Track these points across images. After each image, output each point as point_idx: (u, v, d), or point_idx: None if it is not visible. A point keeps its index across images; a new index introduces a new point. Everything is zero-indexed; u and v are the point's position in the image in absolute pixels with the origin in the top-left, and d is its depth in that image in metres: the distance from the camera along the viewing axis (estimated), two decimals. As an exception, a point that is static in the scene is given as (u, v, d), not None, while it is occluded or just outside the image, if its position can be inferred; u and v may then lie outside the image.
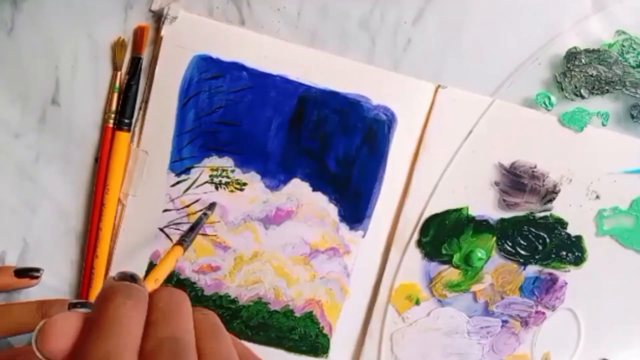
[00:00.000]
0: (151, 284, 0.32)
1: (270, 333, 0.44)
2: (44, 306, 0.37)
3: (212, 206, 0.41)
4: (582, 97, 0.41)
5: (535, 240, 0.42)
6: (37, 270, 0.41)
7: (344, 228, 0.42)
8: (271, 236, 0.42)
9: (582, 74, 0.40)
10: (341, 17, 0.40)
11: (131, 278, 0.26)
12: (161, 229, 0.42)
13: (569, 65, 0.40)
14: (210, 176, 0.41)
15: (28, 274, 0.40)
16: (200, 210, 0.42)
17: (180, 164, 0.41)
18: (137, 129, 0.41)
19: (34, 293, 0.42)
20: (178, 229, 0.42)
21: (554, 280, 0.43)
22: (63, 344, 0.22)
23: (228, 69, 0.40)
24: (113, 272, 0.42)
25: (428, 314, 0.43)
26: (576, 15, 0.40)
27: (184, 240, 0.36)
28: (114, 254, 0.42)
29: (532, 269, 0.43)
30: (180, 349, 0.22)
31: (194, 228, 0.38)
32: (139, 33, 0.40)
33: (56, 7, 0.40)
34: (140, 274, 0.40)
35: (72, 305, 0.39)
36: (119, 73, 0.40)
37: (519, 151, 0.41)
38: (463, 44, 0.41)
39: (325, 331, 0.44)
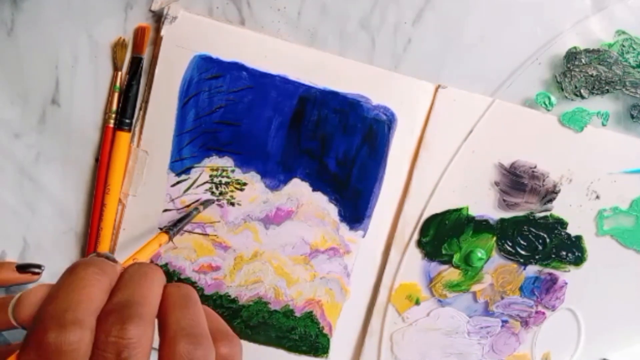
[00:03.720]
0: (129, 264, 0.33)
1: (270, 333, 0.44)
2: None
3: (207, 202, 0.41)
4: (582, 97, 0.41)
5: (535, 240, 0.42)
6: (39, 266, 0.42)
7: (344, 228, 0.42)
8: (271, 236, 0.42)
9: (582, 74, 0.40)
10: (341, 17, 0.40)
11: (105, 257, 0.26)
12: (161, 229, 0.42)
13: (569, 65, 0.40)
14: (210, 176, 0.41)
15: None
16: (197, 203, 0.42)
17: (180, 164, 0.41)
18: (137, 129, 0.41)
19: (34, 293, 0.42)
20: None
21: (554, 280, 0.43)
22: (34, 311, 0.23)
23: (228, 69, 0.40)
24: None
25: (428, 314, 0.43)
26: (576, 15, 0.40)
27: (171, 229, 0.36)
28: (114, 254, 0.42)
29: (532, 269, 0.43)
30: (131, 311, 0.22)
31: (183, 219, 0.39)
32: (139, 33, 0.40)
33: (56, 7, 0.40)
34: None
35: (20, 268, 0.41)
36: (119, 73, 0.40)
37: (519, 151, 0.41)
38: (463, 44, 0.41)
39: (325, 331, 0.44)
